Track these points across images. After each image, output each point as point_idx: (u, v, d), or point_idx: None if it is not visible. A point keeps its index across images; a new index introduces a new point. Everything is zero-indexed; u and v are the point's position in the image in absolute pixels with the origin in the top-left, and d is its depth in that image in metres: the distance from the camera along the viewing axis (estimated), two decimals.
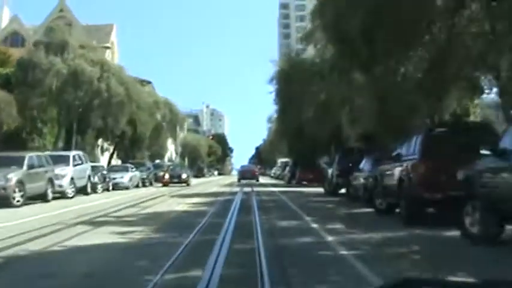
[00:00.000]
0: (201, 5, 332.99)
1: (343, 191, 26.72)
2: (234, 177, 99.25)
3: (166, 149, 78.23)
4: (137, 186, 41.36)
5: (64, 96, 36.08)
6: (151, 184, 47.23)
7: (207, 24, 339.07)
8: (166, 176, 47.33)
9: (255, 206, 20.18)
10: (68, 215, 17.22)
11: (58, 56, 34.62)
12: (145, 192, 33.66)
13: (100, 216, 16.58)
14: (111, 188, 36.35)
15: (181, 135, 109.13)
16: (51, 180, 25.08)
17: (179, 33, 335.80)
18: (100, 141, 48.95)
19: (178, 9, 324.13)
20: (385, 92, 19.73)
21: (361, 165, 22.08)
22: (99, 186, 33.35)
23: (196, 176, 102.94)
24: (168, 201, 25.19)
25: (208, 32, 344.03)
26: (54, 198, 25.44)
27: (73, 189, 27.57)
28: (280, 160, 72.77)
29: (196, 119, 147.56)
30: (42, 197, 24.05)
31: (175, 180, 46.70)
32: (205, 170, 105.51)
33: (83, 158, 30.58)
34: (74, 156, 29.20)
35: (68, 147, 40.60)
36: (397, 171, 14.62)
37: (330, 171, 28.69)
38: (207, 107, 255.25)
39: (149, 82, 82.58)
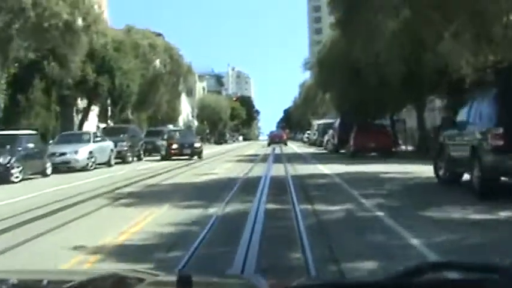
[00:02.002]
0: None
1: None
2: (261, 143, 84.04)
3: (177, 110, 62.83)
4: (108, 163, 26.24)
5: None
6: (139, 159, 32.15)
7: None
8: (174, 146, 32.73)
9: None
10: None
11: None
12: (96, 181, 18.43)
13: None
14: (49, 171, 21.27)
15: (198, 95, 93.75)
16: None
17: None
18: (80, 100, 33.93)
19: None
20: None
21: None
22: (15, 172, 18.41)
23: (217, 143, 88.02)
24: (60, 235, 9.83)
25: None
26: None
27: None
28: (317, 122, 56.98)
29: (219, 80, 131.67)
30: None
31: (187, 151, 32.50)
32: (228, 136, 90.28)
33: None
34: None
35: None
36: None
37: (449, 138, 13.11)
38: (233, 69, 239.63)
39: (159, 34, 68.73)
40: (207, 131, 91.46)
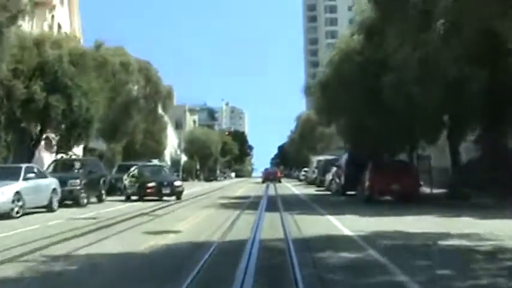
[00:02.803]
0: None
1: None
2: (254, 180, 77.27)
3: (162, 143, 56.22)
4: (48, 207, 19.61)
5: None
6: (100, 199, 25.53)
7: (228, 20, 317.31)
8: (151, 184, 26.96)
9: None
10: None
11: None
12: None
13: None
14: None
15: (189, 128, 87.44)
16: None
17: (197, 28, 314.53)
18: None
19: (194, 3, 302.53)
20: None
21: None
22: None
23: (206, 180, 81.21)
24: None
25: (229, 27, 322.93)
26: None
27: None
28: (317, 158, 50.45)
29: (211, 114, 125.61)
30: None
31: (166, 190, 27.03)
32: (218, 172, 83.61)
33: None
34: None
35: None
36: None
37: None
38: (227, 104, 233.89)
39: (147, 63, 63.49)
40: (197, 166, 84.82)
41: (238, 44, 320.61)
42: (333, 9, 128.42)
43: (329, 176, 36.13)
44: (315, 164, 49.23)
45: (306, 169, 68.21)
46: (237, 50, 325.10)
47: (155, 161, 62.99)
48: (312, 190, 39.09)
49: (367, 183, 22.75)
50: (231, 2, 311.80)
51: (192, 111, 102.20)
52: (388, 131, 20.94)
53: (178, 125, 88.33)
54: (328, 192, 33.92)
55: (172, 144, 75.45)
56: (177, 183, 27.88)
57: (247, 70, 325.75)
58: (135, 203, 25.05)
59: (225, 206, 22.40)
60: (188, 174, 77.43)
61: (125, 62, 32.40)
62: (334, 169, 34.74)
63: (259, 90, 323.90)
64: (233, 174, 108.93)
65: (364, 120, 21.84)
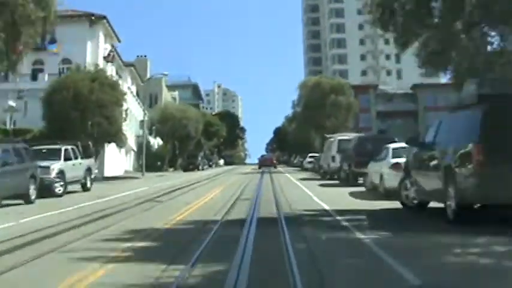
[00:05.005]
0: None
1: None
2: (245, 169, 59.33)
3: (115, 121, 37.49)
4: None
5: None
6: None
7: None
8: None
9: None
10: None
11: None
12: None
13: None
14: None
15: (161, 102, 68.68)
16: None
17: (191, 10, 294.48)
18: None
19: None
20: None
21: None
22: None
23: (185, 169, 62.53)
24: None
25: (222, 10, 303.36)
26: None
27: None
28: (339, 137, 31.99)
29: (196, 91, 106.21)
30: None
31: None
32: (200, 159, 64.85)
33: None
34: None
35: None
36: None
37: None
38: (219, 86, 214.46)
39: (103, 17, 45.53)
40: (177, 152, 66.12)
41: (231, 24, 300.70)
42: None
43: (384, 169, 17.67)
44: (335, 148, 30.68)
45: (312, 155, 49.98)
46: (231, 30, 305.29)
47: (110, 147, 45.09)
48: (344, 194, 20.33)
49: None
50: None
51: (171, 87, 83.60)
52: None
53: (153, 102, 69.92)
54: (397, 205, 15.27)
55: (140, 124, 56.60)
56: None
57: (242, 52, 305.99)
58: None
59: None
60: (163, 161, 59.01)
61: None
62: (389, 153, 16.52)
63: (254, 73, 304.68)
64: (222, 162, 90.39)
65: None
